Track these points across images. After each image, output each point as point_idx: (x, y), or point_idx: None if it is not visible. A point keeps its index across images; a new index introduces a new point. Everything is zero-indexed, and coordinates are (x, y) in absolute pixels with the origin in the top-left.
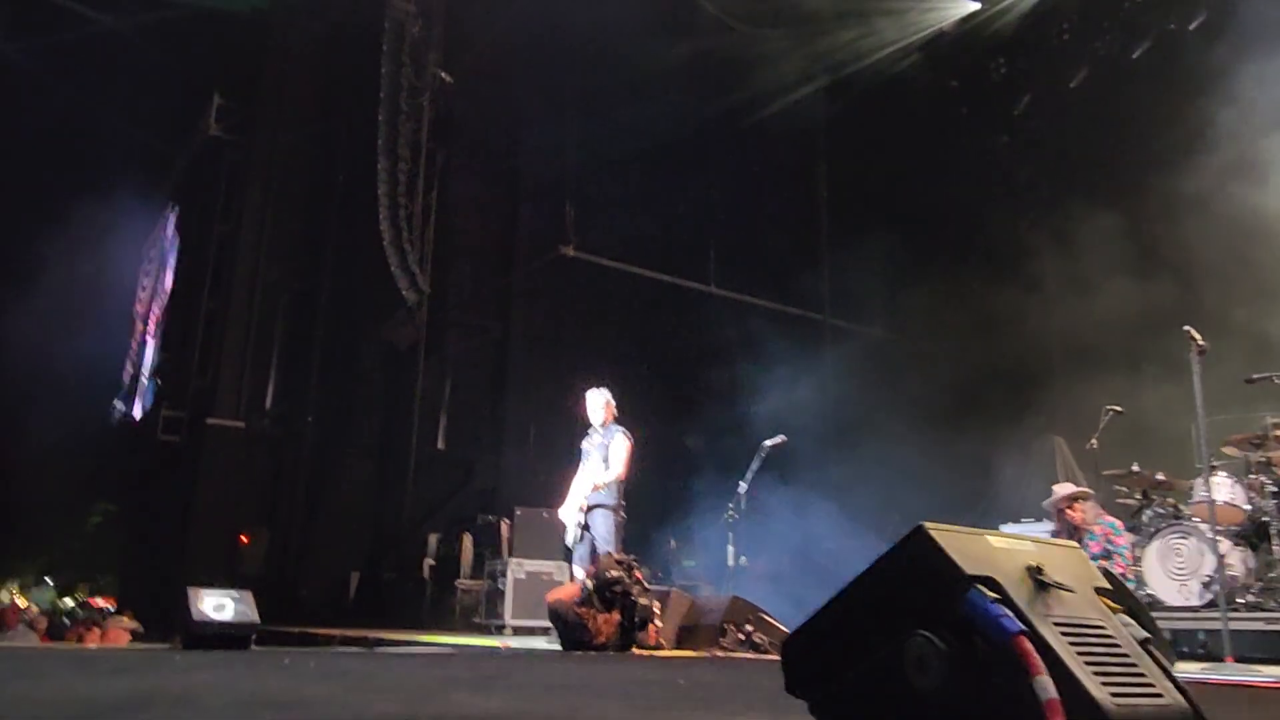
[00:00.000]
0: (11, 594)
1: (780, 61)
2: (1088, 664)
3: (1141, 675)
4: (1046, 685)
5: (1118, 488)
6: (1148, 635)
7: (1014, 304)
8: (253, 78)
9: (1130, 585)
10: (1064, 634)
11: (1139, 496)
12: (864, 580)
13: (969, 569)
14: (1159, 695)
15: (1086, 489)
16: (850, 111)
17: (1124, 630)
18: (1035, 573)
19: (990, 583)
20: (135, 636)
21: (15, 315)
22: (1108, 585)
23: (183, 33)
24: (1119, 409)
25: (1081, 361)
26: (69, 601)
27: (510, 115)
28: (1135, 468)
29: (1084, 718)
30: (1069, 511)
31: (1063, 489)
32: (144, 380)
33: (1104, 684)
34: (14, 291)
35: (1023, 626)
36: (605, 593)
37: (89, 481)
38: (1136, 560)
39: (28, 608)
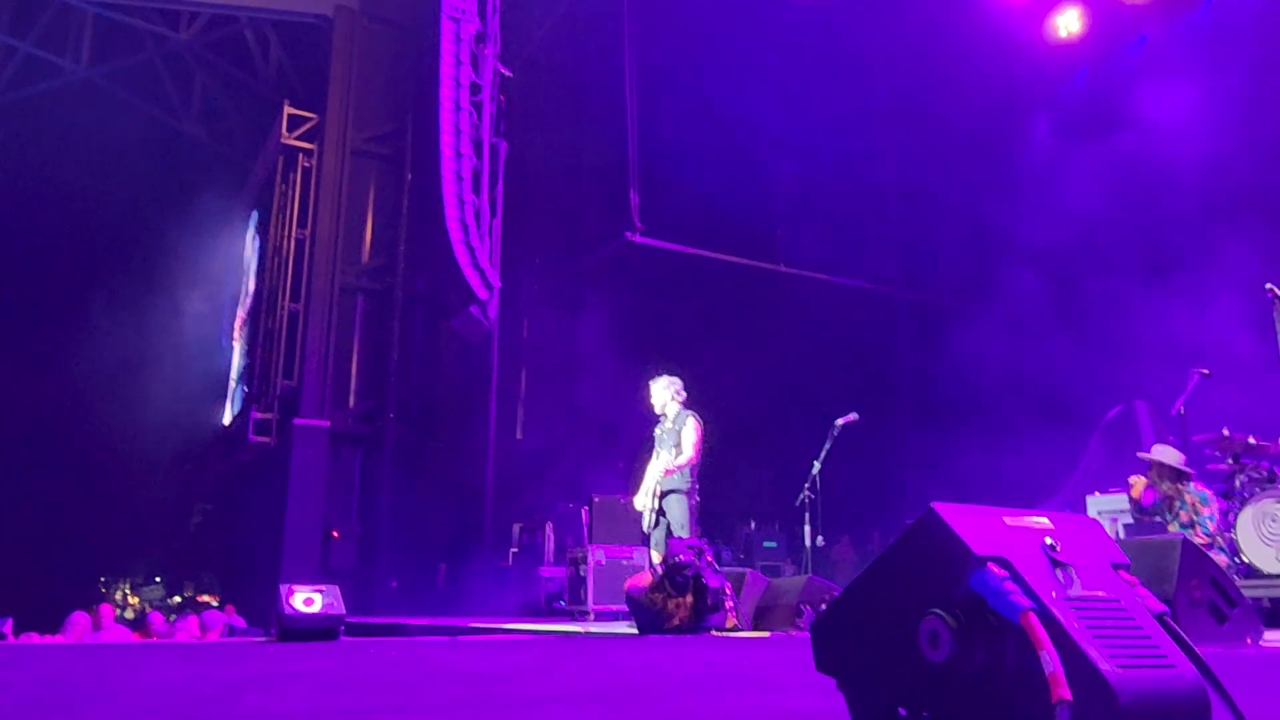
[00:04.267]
0: (124, 593)
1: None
2: (1096, 637)
3: (1154, 647)
4: (1049, 659)
5: (1208, 453)
6: (1165, 609)
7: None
8: (320, 85)
9: (1221, 555)
10: (1074, 609)
11: (1231, 461)
12: (882, 562)
13: (980, 548)
14: (1170, 665)
15: (1186, 469)
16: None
17: (1140, 603)
18: (1049, 550)
19: (1001, 562)
20: (237, 631)
21: (117, 331)
22: (1126, 560)
23: (251, 46)
24: (1206, 371)
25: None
26: (177, 599)
27: (570, 105)
28: (1226, 432)
29: (1089, 688)
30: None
31: (1167, 454)
32: (233, 383)
33: (1111, 656)
34: (114, 307)
35: (1030, 604)
36: (676, 577)
37: (189, 484)
38: (1229, 529)
39: (140, 605)
